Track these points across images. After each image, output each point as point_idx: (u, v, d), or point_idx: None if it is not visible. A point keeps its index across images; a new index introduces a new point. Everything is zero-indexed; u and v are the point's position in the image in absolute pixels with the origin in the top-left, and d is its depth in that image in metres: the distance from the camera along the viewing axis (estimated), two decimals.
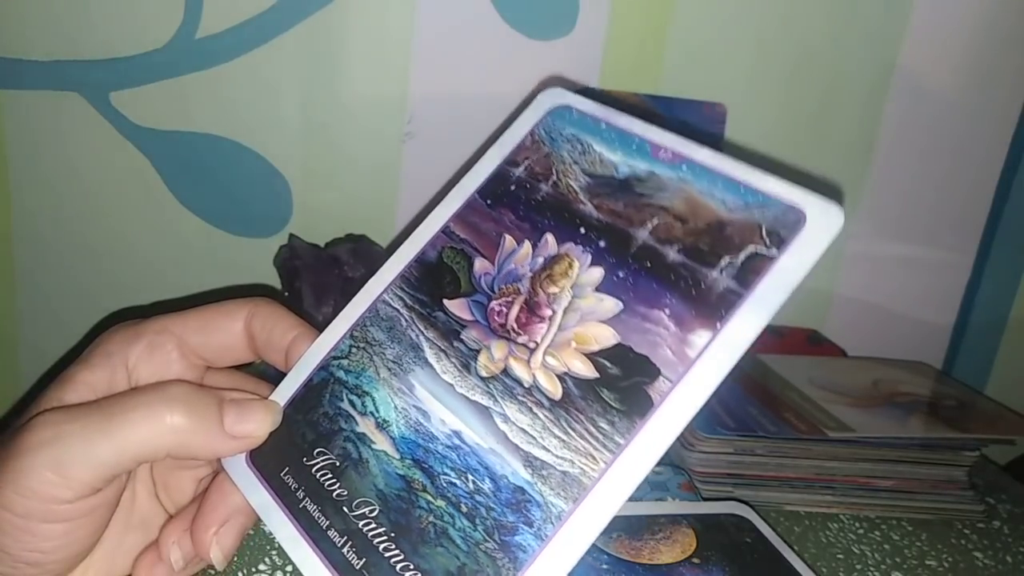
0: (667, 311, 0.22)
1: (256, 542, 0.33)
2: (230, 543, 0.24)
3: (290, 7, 0.58)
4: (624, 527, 0.31)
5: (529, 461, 0.21)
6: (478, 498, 0.21)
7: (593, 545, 0.27)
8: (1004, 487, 0.48)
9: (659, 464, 0.40)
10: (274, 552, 0.32)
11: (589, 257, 0.23)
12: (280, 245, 0.59)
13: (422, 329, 0.25)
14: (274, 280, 0.58)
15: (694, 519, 0.33)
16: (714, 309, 0.21)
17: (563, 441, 0.21)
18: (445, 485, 0.22)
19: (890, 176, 0.65)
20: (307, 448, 0.24)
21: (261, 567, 0.31)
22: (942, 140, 0.65)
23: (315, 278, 0.56)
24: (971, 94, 0.64)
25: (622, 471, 0.20)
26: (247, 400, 0.25)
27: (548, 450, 0.21)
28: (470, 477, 0.22)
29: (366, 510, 0.22)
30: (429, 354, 0.24)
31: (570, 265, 0.23)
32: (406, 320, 0.25)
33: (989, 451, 0.46)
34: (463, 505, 0.21)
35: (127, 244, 0.63)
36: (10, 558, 0.22)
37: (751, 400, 0.46)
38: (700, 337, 0.21)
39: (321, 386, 0.25)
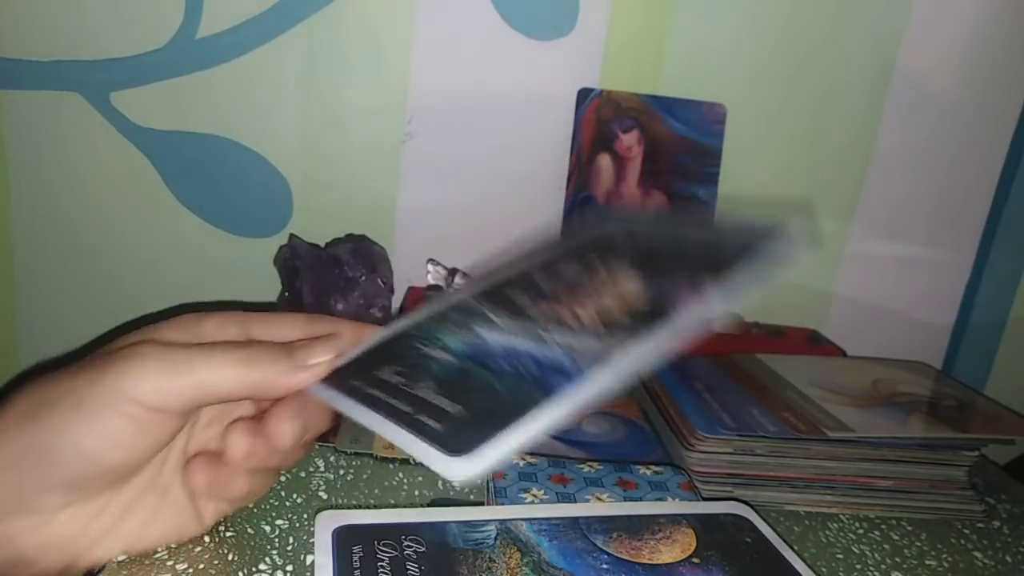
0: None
1: (256, 542, 0.33)
2: (296, 429, 0.28)
3: (290, 8, 0.58)
4: (624, 527, 0.31)
5: (567, 352, 0.27)
6: (522, 371, 0.27)
7: (593, 544, 0.28)
8: (1004, 487, 0.48)
9: (659, 464, 0.40)
10: (274, 552, 0.33)
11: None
12: (280, 245, 0.59)
13: (488, 307, 0.31)
14: (274, 280, 0.58)
15: (694, 519, 0.33)
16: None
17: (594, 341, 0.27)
18: (495, 366, 0.27)
19: (890, 176, 0.65)
20: (379, 365, 0.29)
21: (262, 567, 0.31)
22: (941, 141, 0.65)
23: (315, 278, 0.56)
24: (971, 95, 0.64)
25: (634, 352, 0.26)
26: (311, 339, 0.29)
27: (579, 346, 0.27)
28: (517, 363, 0.27)
29: (426, 384, 0.27)
30: (491, 315, 0.31)
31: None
32: (474, 304, 0.32)
33: (989, 451, 0.46)
34: (511, 372, 0.27)
35: (127, 244, 0.63)
36: (65, 443, 0.25)
37: (751, 400, 0.46)
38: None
39: (393, 340, 0.31)
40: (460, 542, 0.29)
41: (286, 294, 0.57)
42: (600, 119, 0.61)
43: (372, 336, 0.31)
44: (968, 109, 0.64)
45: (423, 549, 0.28)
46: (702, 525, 0.32)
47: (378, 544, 0.28)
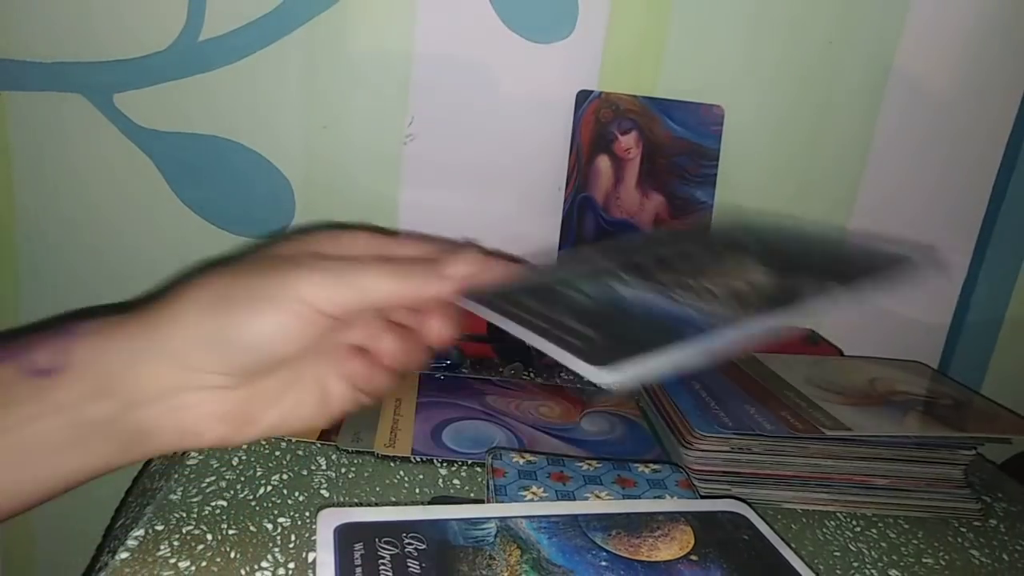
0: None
1: (259, 539, 0.33)
2: (447, 325, 0.32)
3: (292, 10, 0.59)
4: (623, 524, 0.32)
5: (698, 311, 0.29)
6: (655, 316, 0.29)
7: (592, 542, 0.28)
8: (1000, 485, 0.48)
9: (657, 462, 0.40)
10: (276, 549, 0.33)
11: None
12: None
13: (620, 268, 0.34)
14: None
15: (692, 516, 0.33)
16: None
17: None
18: (629, 309, 0.30)
19: (886, 176, 0.66)
20: (520, 293, 0.31)
21: (264, 564, 0.32)
22: (938, 141, 0.65)
23: None
24: (967, 95, 0.64)
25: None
26: (452, 254, 0.31)
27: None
28: (650, 311, 0.29)
29: (565, 313, 0.29)
30: (622, 275, 0.33)
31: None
32: (606, 264, 0.34)
33: (985, 450, 0.46)
34: (645, 315, 0.29)
35: (130, 244, 0.63)
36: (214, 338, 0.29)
37: (749, 399, 0.46)
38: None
39: (532, 276, 0.33)
40: (460, 539, 0.29)
41: None
42: (599, 121, 0.62)
43: (503, 264, 0.33)
44: (965, 109, 0.64)
45: (424, 546, 0.28)
46: (700, 523, 0.32)
47: (379, 541, 0.28)
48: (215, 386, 0.30)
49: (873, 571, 0.37)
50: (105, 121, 0.60)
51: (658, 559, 0.30)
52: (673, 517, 0.33)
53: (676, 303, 0.30)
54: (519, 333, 0.29)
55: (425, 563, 0.27)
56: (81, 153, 0.61)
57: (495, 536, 0.30)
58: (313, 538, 0.34)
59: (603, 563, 0.29)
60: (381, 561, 0.27)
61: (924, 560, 0.38)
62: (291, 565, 0.32)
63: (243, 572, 0.31)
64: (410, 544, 0.28)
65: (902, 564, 0.38)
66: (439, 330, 0.32)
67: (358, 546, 0.28)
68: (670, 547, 0.31)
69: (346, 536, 0.28)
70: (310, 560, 0.32)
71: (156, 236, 0.63)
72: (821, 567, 0.36)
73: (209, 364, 0.29)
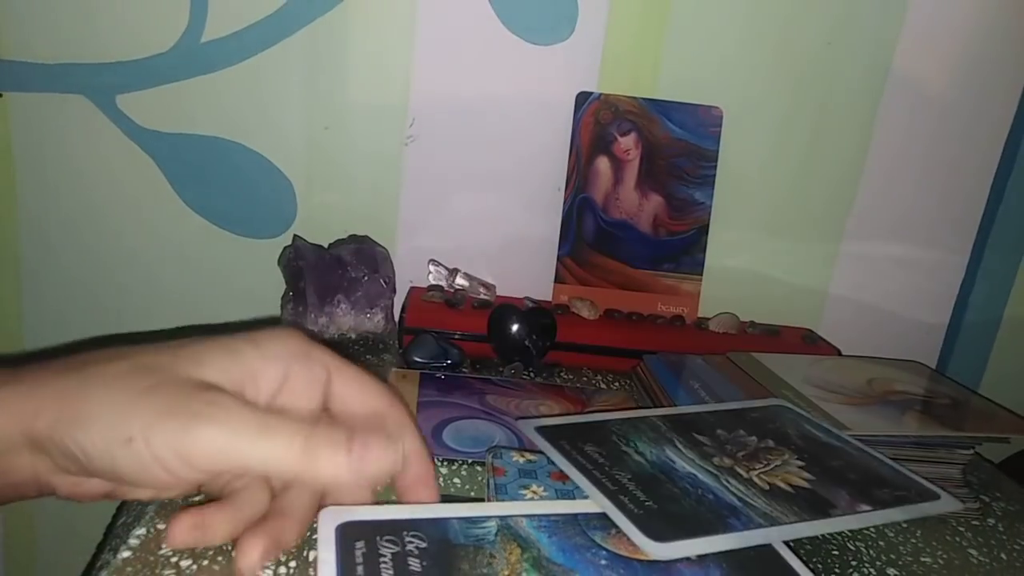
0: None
1: None
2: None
3: (293, 12, 0.59)
4: None
5: (741, 500, 0.34)
6: (703, 497, 0.33)
7: (592, 540, 0.28)
8: (998, 485, 0.48)
9: None
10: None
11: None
12: (284, 246, 0.59)
13: (676, 437, 0.39)
14: (278, 280, 0.59)
15: None
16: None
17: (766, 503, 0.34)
18: (680, 484, 0.34)
19: (885, 177, 0.66)
20: (585, 440, 0.37)
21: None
22: (936, 142, 0.65)
23: (319, 279, 0.56)
24: (966, 96, 0.64)
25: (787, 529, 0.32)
26: (373, 436, 0.29)
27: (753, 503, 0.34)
28: (699, 490, 0.34)
29: (625, 473, 0.34)
30: (678, 445, 0.38)
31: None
32: (665, 430, 0.40)
33: (983, 449, 0.46)
34: (694, 494, 0.33)
35: (132, 245, 0.64)
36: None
37: (747, 398, 0.46)
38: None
39: (596, 425, 0.39)
40: (461, 538, 0.29)
41: (290, 294, 0.57)
42: (598, 122, 0.62)
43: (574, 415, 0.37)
44: (963, 110, 0.65)
45: (425, 545, 0.28)
46: None
47: (380, 540, 0.28)
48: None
49: (871, 570, 0.37)
50: (107, 122, 0.60)
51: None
52: None
53: (726, 489, 0.34)
54: (584, 486, 0.33)
55: (426, 561, 0.28)
56: (83, 154, 0.61)
57: (495, 535, 0.30)
58: (314, 537, 0.34)
59: (603, 562, 0.29)
60: (382, 559, 0.27)
61: (922, 559, 0.39)
62: (292, 564, 0.32)
63: None
64: (411, 542, 0.28)
65: (900, 563, 0.38)
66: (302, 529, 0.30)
67: (359, 544, 0.28)
68: None
69: (347, 534, 0.28)
70: (311, 559, 0.32)
71: (158, 237, 0.63)
72: (819, 566, 0.37)
73: (50, 458, 0.28)
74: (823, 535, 0.40)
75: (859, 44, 0.62)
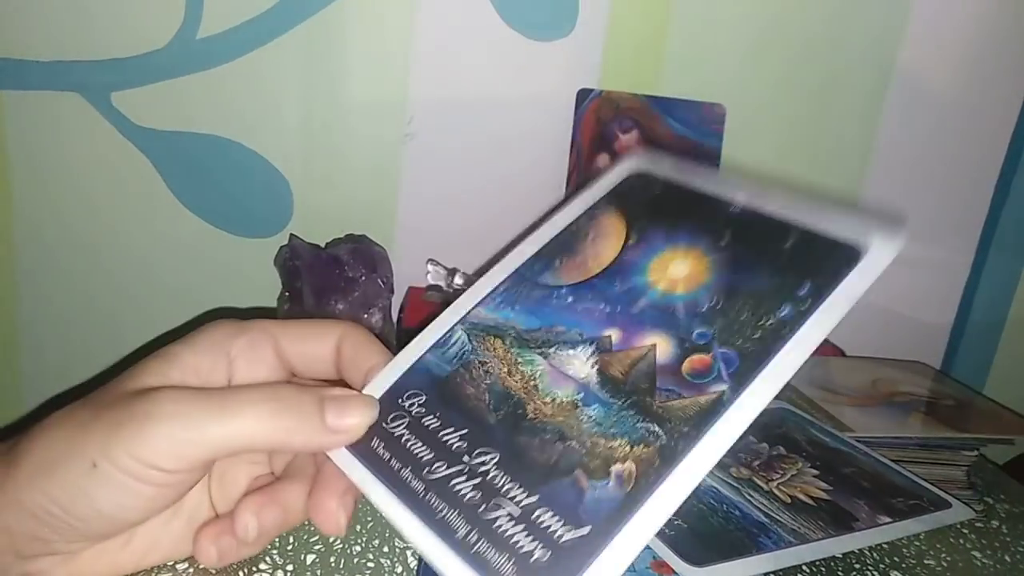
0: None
1: None
2: (349, 511, 0.27)
3: (290, 8, 0.58)
4: (558, 251, 0.30)
5: (766, 515, 0.34)
6: (729, 514, 0.34)
7: (546, 285, 0.29)
8: (1002, 486, 0.48)
9: None
10: (275, 551, 0.33)
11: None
12: (280, 245, 0.59)
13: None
14: (275, 280, 0.58)
15: (609, 197, 0.31)
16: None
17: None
18: (706, 502, 0.34)
19: (889, 176, 0.65)
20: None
21: (262, 566, 0.31)
22: (941, 140, 0.65)
23: (315, 278, 0.56)
24: (970, 94, 0.64)
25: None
26: (347, 396, 0.27)
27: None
28: (725, 506, 0.35)
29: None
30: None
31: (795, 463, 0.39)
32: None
33: (988, 451, 0.46)
34: (721, 511, 0.34)
35: (127, 244, 0.63)
36: (86, 503, 0.24)
37: None
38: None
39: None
40: (446, 367, 0.28)
41: (286, 294, 0.57)
42: (599, 119, 0.62)
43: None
44: (967, 108, 0.64)
45: (424, 397, 0.27)
46: (618, 199, 0.31)
47: (388, 425, 0.27)
48: (66, 551, 0.26)
49: (875, 572, 0.37)
50: (102, 120, 0.60)
51: (608, 262, 0.28)
52: (591, 214, 0.31)
53: (750, 503, 0.35)
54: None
55: (437, 410, 0.26)
56: (78, 152, 0.60)
57: (469, 341, 0.29)
58: (311, 539, 0.33)
59: (569, 299, 0.28)
60: (404, 439, 0.26)
61: (926, 561, 0.38)
62: (289, 567, 0.32)
63: (242, 574, 0.31)
64: (411, 404, 0.27)
65: (904, 566, 0.38)
66: (332, 516, 0.26)
67: (374, 443, 0.27)
68: (609, 242, 0.29)
69: (360, 443, 0.27)
70: (308, 563, 0.32)
71: (153, 235, 0.63)
72: (823, 569, 0.36)
73: (52, 534, 0.25)
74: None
75: (863, 42, 0.62)
